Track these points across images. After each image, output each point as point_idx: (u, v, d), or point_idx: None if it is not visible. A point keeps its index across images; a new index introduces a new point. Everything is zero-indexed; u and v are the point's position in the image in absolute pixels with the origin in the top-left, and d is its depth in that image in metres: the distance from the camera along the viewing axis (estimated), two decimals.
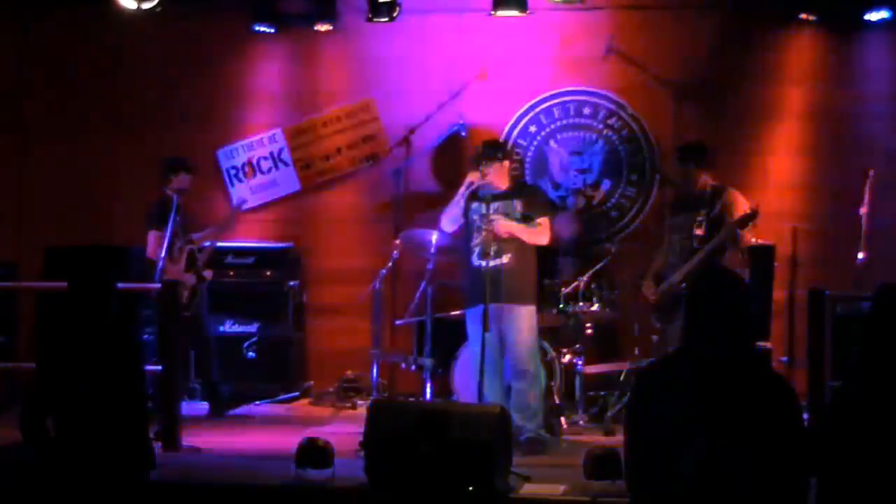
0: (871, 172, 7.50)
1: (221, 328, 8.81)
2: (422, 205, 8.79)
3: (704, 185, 7.16)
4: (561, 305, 7.72)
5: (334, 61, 9.48)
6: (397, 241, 8.02)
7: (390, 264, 8.17)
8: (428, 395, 7.61)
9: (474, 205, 6.95)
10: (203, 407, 8.24)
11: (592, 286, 7.79)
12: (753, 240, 7.20)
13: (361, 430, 5.60)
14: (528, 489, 5.59)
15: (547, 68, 9.20)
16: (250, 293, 8.93)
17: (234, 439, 7.18)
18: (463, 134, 9.02)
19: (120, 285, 5.01)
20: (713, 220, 6.98)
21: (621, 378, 8.04)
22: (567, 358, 7.78)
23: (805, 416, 3.61)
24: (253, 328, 8.92)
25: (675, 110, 8.96)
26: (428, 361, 7.58)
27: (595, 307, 7.77)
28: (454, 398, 7.62)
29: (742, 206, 6.92)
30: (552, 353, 7.55)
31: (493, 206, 6.80)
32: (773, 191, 8.63)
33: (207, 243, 8.37)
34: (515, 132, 9.20)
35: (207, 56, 9.50)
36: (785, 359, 8.26)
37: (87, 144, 9.43)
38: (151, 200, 8.04)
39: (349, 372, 8.87)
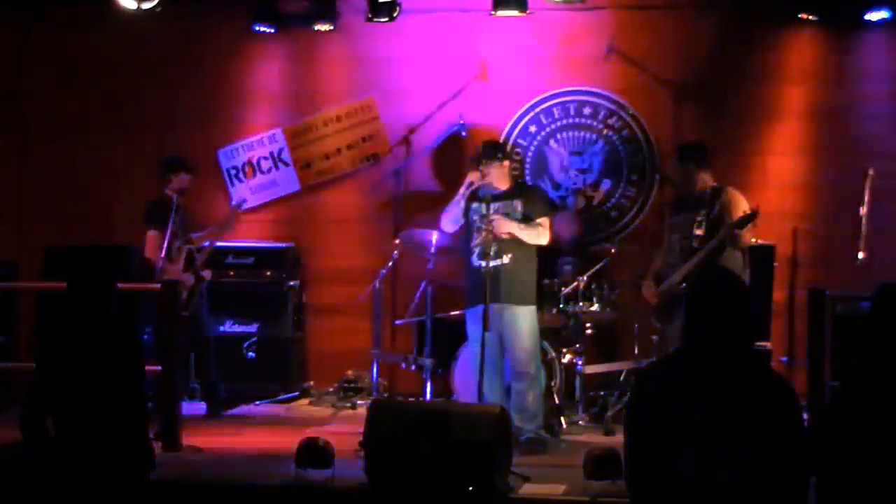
0: (871, 172, 7.50)
1: (221, 328, 8.80)
2: (422, 205, 8.79)
3: (704, 185, 7.14)
4: (561, 305, 7.71)
5: (334, 61, 9.47)
6: (397, 241, 8.04)
7: (390, 264, 8.19)
8: (428, 395, 7.62)
9: (474, 205, 6.94)
10: (203, 407, 8.23)
11: (592, 286, 7.78)
12: (753, 240, 7.19)
13: (361, 430, 5.61)
14: (527, 489, 5.60)
15: (547, 68, 9.19)
16: (250, 293, 8.91)
17: (234, 439, 7.18)
18: (463, 134, 9.01)
19: (120, 285, 5.01)
20: (713, 221, 6.96)
21: (621, 378, 8.05)
22: (567, 358, 7.77)
23: (805, 416, 3.60)
24: (253, 328, 8.91)
25: (675, 110, 8.96)
26: (428, 361, 7.59)
27: (595, 307, 7.76)
28: (454, 398, 7.62)
29: (742, 206, 6.90)
30: (552, 354, 7.55)
31: (493, 206, 6.79)
32: (773, 191, 8.61)
33: (207, 243, 8.36)
34: (515, 132, 9.19)
35: (207, 56, 9.51)
36: (785, 359, 8.27)
37: (87, 144, 9.44)
38: (151, 200, 8.04)
39: (349, 372, 8.86)
